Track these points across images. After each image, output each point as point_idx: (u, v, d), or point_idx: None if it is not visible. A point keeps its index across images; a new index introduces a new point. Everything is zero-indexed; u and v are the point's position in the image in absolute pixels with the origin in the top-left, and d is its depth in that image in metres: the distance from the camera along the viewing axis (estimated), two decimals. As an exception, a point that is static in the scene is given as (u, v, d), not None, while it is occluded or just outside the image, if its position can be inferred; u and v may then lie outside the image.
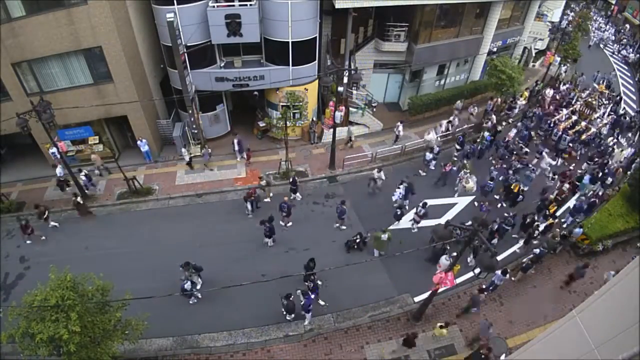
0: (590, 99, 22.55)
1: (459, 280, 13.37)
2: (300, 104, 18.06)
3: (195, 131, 18.22)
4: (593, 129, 20.52)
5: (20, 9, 14.02)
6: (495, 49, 22.82)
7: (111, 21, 14.63)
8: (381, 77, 22.40)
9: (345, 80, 18.46)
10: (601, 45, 37.84)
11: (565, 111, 21.80)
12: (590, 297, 5.10)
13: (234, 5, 15.44)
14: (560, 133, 20.00)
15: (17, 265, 14.11)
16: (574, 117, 21.43)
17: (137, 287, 12.49)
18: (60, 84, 16.01)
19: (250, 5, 15.45)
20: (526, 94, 23.48)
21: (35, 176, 17.88)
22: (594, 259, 14.88)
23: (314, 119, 19.99)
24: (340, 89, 18.46)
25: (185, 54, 16.07)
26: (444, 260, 12.56)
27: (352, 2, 16.67)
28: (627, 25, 42.12)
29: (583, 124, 20.86)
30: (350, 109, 20.44)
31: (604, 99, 22.85)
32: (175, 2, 15.07)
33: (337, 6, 16.57)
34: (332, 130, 16.77)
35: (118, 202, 16.42)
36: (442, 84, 23.13)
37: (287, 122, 16.39)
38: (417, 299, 13.21)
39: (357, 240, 14.22)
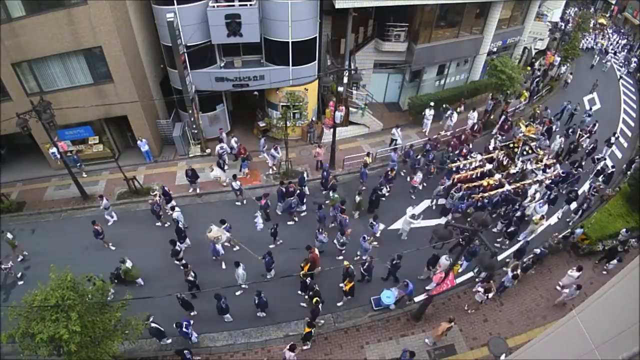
0: (512, 145, 16.68)
1: (458, 280, 13.40)
2: (300, 104, 18.05)
3: (195, 131, 18.23)
4: (507, 187, 15.32)
5: (20, 9, 14.03)
6: (495, 49, 22.81)
7: (111, 21, 14.63)
8: (381, 77, 22.41)
9: (345, 80, 18.47)
10: (612, 64, 32.20)
11: (479, 157, 16.68)
12: (590, 297, 5.10)
13: (234, 5, 15.44)
14: (442, 187, 15.74)
15: (17, 265, 14.10)
16: (488, 167, 16.33)
17: (138, 286, 12.61)
18: (60, 84, 16.02)
19: (250, 5, 15.46)
20: (526, 94, 23.46)
21: (35, 176, 17.88)
22: (594, 258, 14.88)
23: (313, 119, 20.00)
24: (340, 89, 18.46)
25: (185, 54, 16.07)
26: (444, 260, 12.58)
27: (352, 2, 16.68)
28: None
29: (497, 177, 15.76)
30: (350, 109, 20.45)
31: (527, 148, 16.65)
32: (175, 2, 15.07)
33: (337, 6, 16.57)
34: (332, 130, 16.79)
35: (118, 202, 16.41)
36: (442, 84, 23.13)
37: (287, 122, 16.40)
38: (417, 299, 13.22)
39: (117, 273, 12.70)
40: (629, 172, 18.61)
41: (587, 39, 34.85)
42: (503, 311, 13.10)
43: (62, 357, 8.77)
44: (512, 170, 16.24)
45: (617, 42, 37.95)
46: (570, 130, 20.50)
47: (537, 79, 25.39)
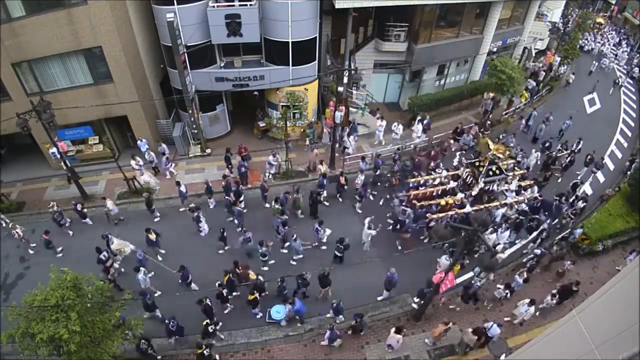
0: (478, 163, 14.55)
1: (458, 280, 13.38)
2: (300, 104, 18.07)
3: (195, 131, 18.24)
4: (468, 209, 13.90)
5: (20, 9, 14.03)
6: (495, 49, 22.82)
7: (111, 21, 14.64)
8: (381, 77, 22.40)
9: (345, 80, 18.46)
10: (614, 68, 30.59)
11: (444, 173, 15.26)
12: (590, 297, 5.10)
13: (234, 5, 15.44)
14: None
15: (17, 265, 14.12)
16: (452, 184, 14.88)
17: (137, 287, 12.57)
18: (60, 84, 16.03)
19: (250, 5, 15.46)
20: (526, 94, 23.48)
21: (35, 176, 17.87)
22: (594, 259, 14.89)
23: (314, 119, 20.00)
24: (340, 89, 18.44)
25: (185, 54, 16.07)
26: (444, 260, 12.58)
27: (352, 2, 16.68)
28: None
29: (459, 197, 14.34)
30: (350, 109, 20.45)
31: (495, 168, 14.17)
32: (175, 2, 15.07)
33: (337, 6, 16.58)
34: (332, 130, 16.81)
35: (118, 202, 16.37)
36: (442, 84, 23.14)
37: (287, 122, 16.40)
38: (417, 298, 13.21)
39: None
40: (629, 172, 18.61)
41: (588, 41, 34.15)
42: (503, 311, 13.10)
43: (62, 357, 8.77)
44: (474, 192, 14.39)
45: (619, 44, 36.84)
46: (547, 145, 19.20)
47: (536, 80, 25.36)
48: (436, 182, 15.23)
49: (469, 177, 14.78)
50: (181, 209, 15.96)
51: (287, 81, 17.56)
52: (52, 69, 15.63)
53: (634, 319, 4.10)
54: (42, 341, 8.25)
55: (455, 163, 16.52)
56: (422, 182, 15.15)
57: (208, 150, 18.94)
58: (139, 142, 17.72)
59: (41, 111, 13.06)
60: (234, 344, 12.04)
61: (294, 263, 13.98)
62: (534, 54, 28.63)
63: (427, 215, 14.06)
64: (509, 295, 12.85)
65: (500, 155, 14.48)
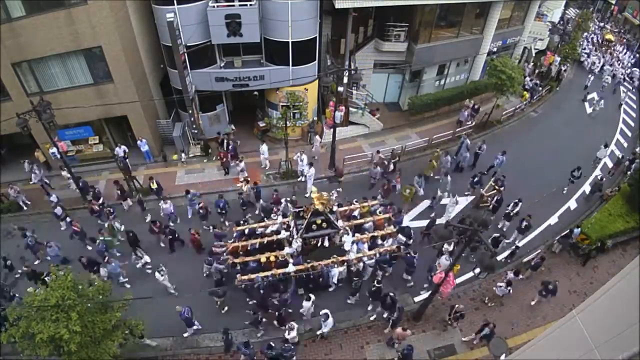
0: (302, 214, 12.51)
1: (459, 280, 13.39)
2: (300, 104, 18.08)
3: (195, 131, 18.23)
4: (291, 268, 11.81)
5: (20, 9, 14.04)
6: (495, 49, 22.82)
7: (111, 21, 14.65)
8: (381, 77, 22.40)
9: (345, 80, 18.47)
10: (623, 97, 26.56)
11: (280, 219, 13.21)
12: (590, 297, 5.10)
13: (234, 5, 15.45)
14: None
15: (17, 265, 14.10)
16: (284, 235, 12.69)
17: (138, 287, 12.59)
18: (60, 84, 16.03)
19: (250, 5, 15.46)
20: (526, 95, 23.47)
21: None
22: (593, 258, 14.87)
23: (314, 119, 20.00)
24: (340, 89, 18.45)
25: (185, 54, 16.08)
26: (444, 260, 12.57)
27: (352, 2, 16.68)
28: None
29: (286, 251, 12.20)
30: (350, 109, 20.45)
31: (320, 221, 12.05)
32: (175, 2, 15.08)
33: (337, 6, 16.58)
34: (332, 130, 16.79)
35: (118, 202, 16.38)
36: (442, 84, 23.13)
37: (287, 122, 16.40)
38: (417, 299, 13.22)
39: None
40: (629, 172, 18.61)
41: (590, 55, 31.18)
42: (503, 311, 13.10)
43: (62, 357, 8.78)
44: (287, 250, 12.12)
45: (628, 60, 33.06)
46: (476, 180, 16.18)
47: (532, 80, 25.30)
48: (269, 229, 12.85)
49: (293, 229, 12.34)
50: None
51: (287, 81, 17.57)
52: (52, 69, 15.64)
53: (634, 319, 4.10)
54: (43, 341, 8.26)
55: (286, 208, 13.61)
56: (246, 231, 12.90)
57: (209, 150, 18.93)
58: (138, 142, 17.74)
59: (41, 111, 13.05)
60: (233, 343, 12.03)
61: (128, 286, 13.02)
62: (534, 54, 28.61)
63: (237, 275, 11.78)
64: (510, 291, 12.81)
65: (320, 207, 11.82)
